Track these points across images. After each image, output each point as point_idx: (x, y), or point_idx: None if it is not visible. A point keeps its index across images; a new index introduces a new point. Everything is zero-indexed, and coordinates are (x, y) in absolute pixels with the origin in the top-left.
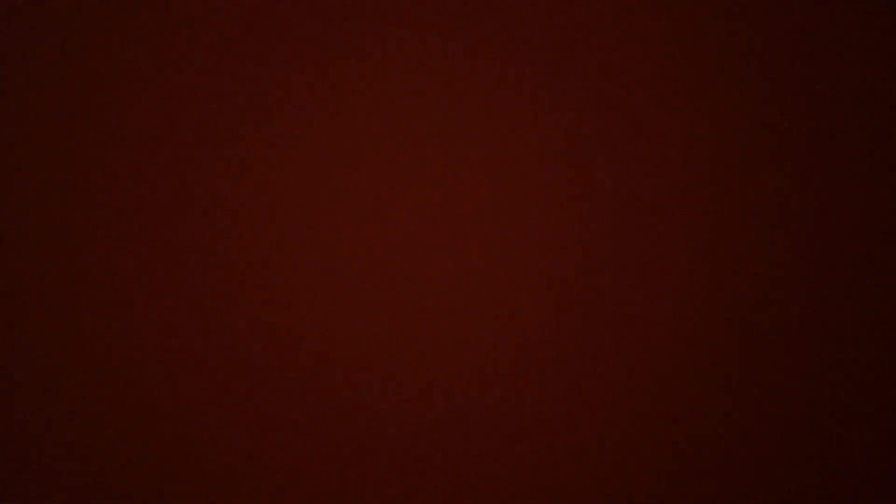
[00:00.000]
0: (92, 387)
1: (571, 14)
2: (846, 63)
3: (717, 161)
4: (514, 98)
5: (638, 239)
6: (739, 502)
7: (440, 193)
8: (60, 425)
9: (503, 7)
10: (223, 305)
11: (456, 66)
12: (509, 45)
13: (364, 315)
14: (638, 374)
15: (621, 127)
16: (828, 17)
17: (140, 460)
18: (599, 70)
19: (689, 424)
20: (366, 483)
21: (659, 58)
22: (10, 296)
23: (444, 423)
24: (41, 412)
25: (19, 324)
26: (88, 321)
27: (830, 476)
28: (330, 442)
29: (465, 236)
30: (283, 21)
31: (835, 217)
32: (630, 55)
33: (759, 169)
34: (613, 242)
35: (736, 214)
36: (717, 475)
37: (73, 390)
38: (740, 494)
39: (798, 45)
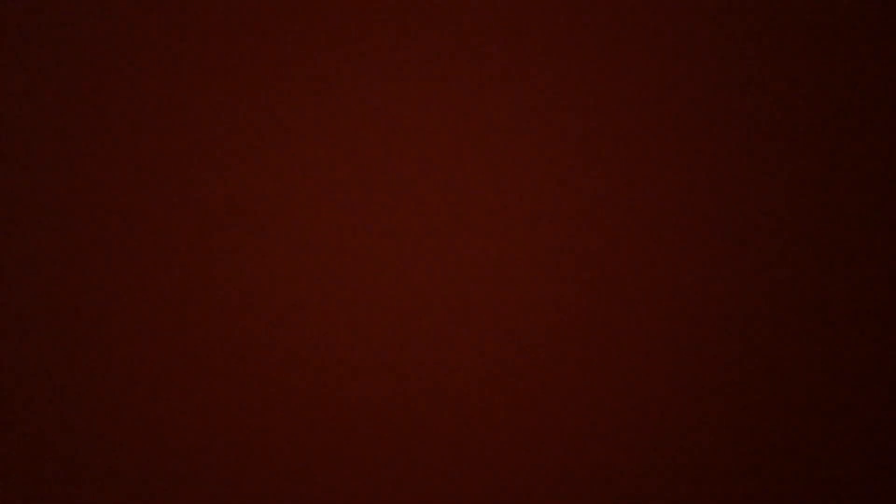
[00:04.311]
0: (90, 388)
1: (573, 13)
2: (848, 63)
3: (721, 160)
4: (516, 97)
5: (641, 238)
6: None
7: (439, 193)
8: (55, 427)
9: (505, 5)
10: (222, 305)
11: (455, 65)
12: (510, 41)
13: (363, 315)
14: (640, 376)
15: (621, 126)
16: (828, 17)
17: (139, 461)
18: (600, 69)
19: (691, 425)
20: (366, 484)
21: (662, 56)
22: (9, 295)
23: (445, 425)
24: (40, 413)
25: (19, 324)
26: (87, 322)
27: (830, 476)
28: (329, 444)
29: (464, 237)
30: (282, 20)
31: (837, 217)
32: (632, 53)
33: (764, 168)
34: (614, 242)
35: (740, 215)
36: (718, 476)
37: (70, 391)
38: (743, 496)
39: (801, 46)
